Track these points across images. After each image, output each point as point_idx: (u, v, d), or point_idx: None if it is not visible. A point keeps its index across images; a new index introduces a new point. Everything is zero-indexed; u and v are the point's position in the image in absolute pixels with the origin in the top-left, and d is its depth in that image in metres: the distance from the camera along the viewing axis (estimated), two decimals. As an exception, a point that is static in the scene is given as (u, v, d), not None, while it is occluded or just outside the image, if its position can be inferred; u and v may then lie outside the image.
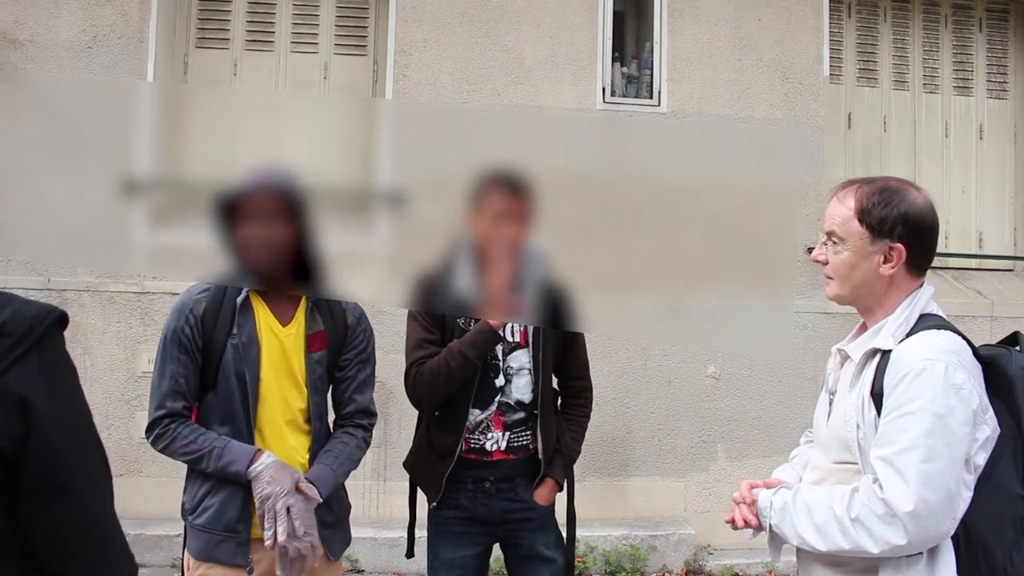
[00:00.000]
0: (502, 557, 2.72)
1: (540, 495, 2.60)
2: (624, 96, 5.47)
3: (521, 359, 2.57)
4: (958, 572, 1.71)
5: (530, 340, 2.58)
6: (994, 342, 1.92)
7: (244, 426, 2.24)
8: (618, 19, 5.52)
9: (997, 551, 1.72)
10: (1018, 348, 1.84)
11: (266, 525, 2.14)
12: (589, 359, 2.76)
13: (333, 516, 2.36)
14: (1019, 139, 6.05)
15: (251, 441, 2.24)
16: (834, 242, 1.86)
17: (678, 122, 5.29)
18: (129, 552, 1.36)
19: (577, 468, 2.71)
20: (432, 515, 2.61)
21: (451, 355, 2.46)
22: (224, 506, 2.23)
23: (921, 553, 1.70)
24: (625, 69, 5.52)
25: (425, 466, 2.61)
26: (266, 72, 5.42)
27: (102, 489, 1.30)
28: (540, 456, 2.59)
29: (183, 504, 2.33)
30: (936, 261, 2.13)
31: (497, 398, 2.55)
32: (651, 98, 5.45)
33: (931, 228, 1.84)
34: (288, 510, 2.14)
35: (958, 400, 1.68)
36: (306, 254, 2.07)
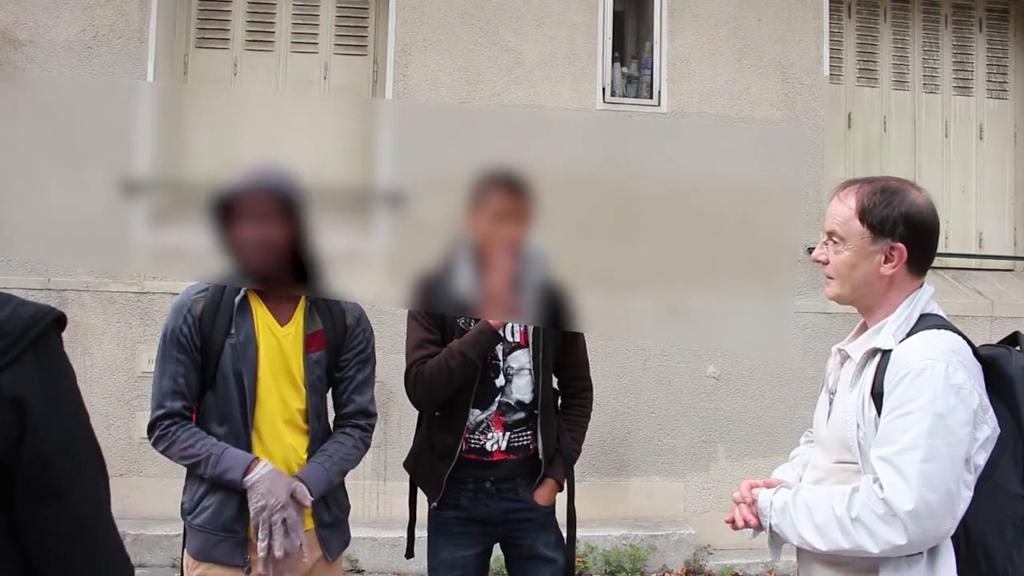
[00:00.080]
0: (502, 557, 2.72)
1: (540, 495, 2.60)
2: (624, 96, 5.47)
3: (521, 359, 2.57)
4: (958, 572, 1.70)
5: (530, 340, 2.58)
6: (994, 342, 1.92)
7: (241, 426, 2.24)
8: (618, 19, 5.52)
9: (997, 551, 1.72)
10: (1018, 348, 1.84)
11: (260, 536, 2.14)
12: (589, 359, 2.76)
13: (331, 516, 2.35)
14: (1019, 139, 6.05)
15: (248, 440, 2.24)
16: (835, 242, 1.86)
17: (678, 122, 5.29)
18: (125, 554, 1.36)
19: (577, 468, 2.71)
20: (432, 515, 2.61)
21: (451, 355, 2.46)
22: (222, 506, 2.23)
23: (921, 553, 1.70)
24: (625, 69, 5.52)
25: (425, 466, 2.61)
26: (266, 72, 5.42)
27: (98, 491, 1.30)
28: (540, 456, 2.58)
29: (182, 504, 2.33)
30: (936, 261, 2.13)
31: (497, 398, 2.55)
32: (651, 98, 5.45)
33: (932, 228, 1.84)
34: (284, 522, 2.14)
35: (958, 400, 1.68)
36: (303, 254, 2.07)
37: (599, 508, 5.08)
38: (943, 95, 5.98)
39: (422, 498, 2.65)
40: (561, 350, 2.65)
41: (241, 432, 2.24)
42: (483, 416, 2.54)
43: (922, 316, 1.82)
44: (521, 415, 2.57)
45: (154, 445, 2.27)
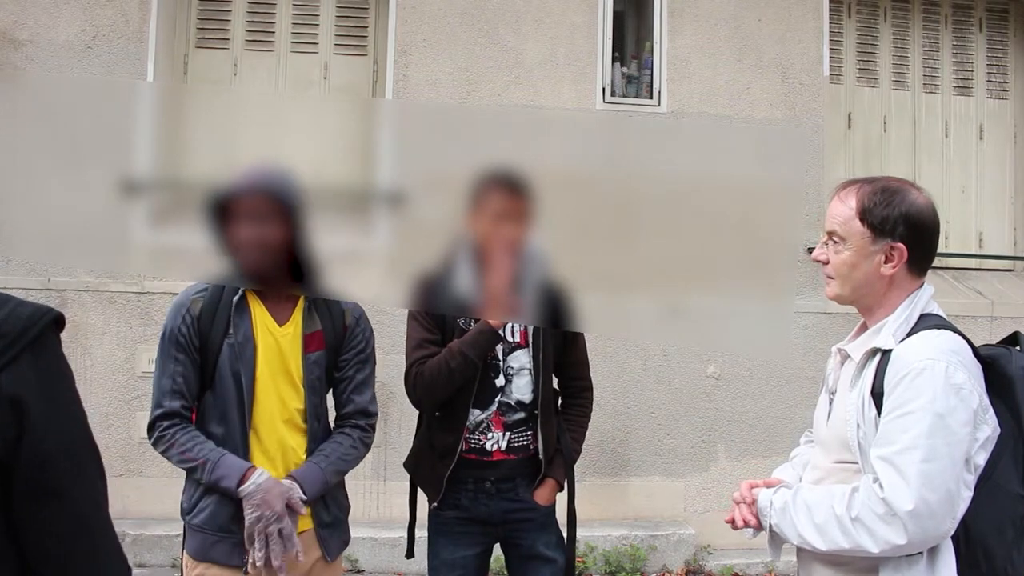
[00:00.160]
0: (502, 557, 2.72)
1: (540, 495, 2.60)
2: (624, 96, 5.47)
3: (521, 359, 2.57)
4: (958, 572, 1.70)
5: (530, 340, 2.58)
6: (994, 342, 1.92)
7: (239, 425, 2.24)
8: (618, 19, 5.52)
9: (997, 551, 1.72)
10: (1018, 348, 1.84)
11: (257, 547, 2.15)
12: (589, 359, 2.76)
13: (330, 516, 2.35)
14: (1019, 139, 6.05)
15: (246, 440, 2.24)
16: (835, 241, 1.86)
17: (678, 122, 5.29)
18: (123, 555, 1.36)
19: (577, 468, 2.71)
20: (432, 515, 2.61)
21: (451, 355, 2.46)
22: (219, 507, 2.22)
23: (921, 553, 1.70)
24: (625, 69, 5.52)
25: (425, 466, 2.61)
26: (266, 72, 5.42)
27: (96, 491, 1.30)
28: (540, 456, 2.58)
29: (181, 504, 2.33)
30: (936, 261, 2.13)
31: (497, 398, 2.55)
32: (651, 98, 5.45)
33: (932, 228, 1.84)
34: (279, 532, 2.15)
35: (958, 400, 1.68)
36: (300, 254, 2.07)
37: (599, 508, 5.08)
38: (943, 95, 5.98)
39: (422, 498, 2.65)
40: (561, 350, 2.65)
41: (239, 431, 2.23)
42: (483, 416, 2.54)
43: (922, 316, 1.82)
44: (521, 415, 2.57)
45: (153, 445, 2.28)
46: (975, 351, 1.78)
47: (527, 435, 2.58)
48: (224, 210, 2.05)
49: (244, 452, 2.24)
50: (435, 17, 5.29)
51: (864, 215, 1.82)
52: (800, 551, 1.88)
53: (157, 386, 2.27)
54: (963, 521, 1.70)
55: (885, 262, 1.81)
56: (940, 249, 1.99)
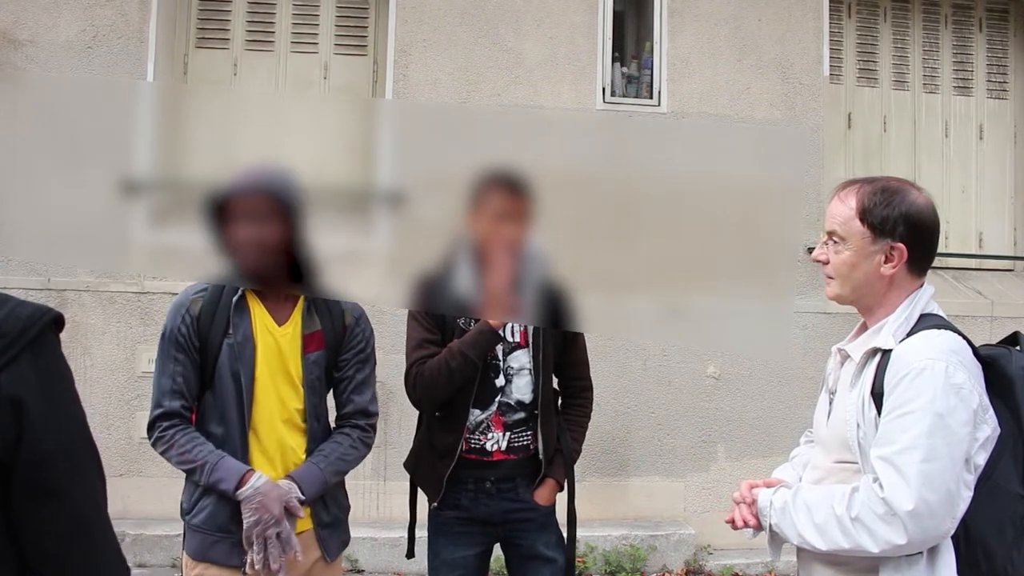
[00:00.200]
0: (503, 557, 2.72)
1: (541, 495, 2.60)
2: (624, 96, 5.47)
3: (521, 359, 2.57)
4: (958, 572, 1.71)
5: (530, 340, 2.58)
6: (994, 342, 1.92)
7: (238, 426, 2.24)
8: (618, 19, 5.52)
9: (997, 551, 1.72)
10: (1018, 348, 1.84)
11: (256, 550, 2.15)
12: (589, 359, 2.76)
13: (330, 516, 2.35)
14: (1019, 139, 6.05)
15: (246, 440, 2.24)
16: (835, 241, 1.86)
17: (678, 122, 5.29)
18: (121, 555, 1.36)
19: (577, 468, 2.71)
20: (432, 515, 2.61)
21: (451, 355, 2.46)
22: (219, 507, 2.22)
23: (921, 553, 1.70)
24: (625, 69, 5.52)
25: (425, 466, 2.61)
26: (266, 72, 5.42)
27: (95, 491, 1.30)
28: (540, 456, 2.58)
29: (181, 503, 2.33)
30: (936, 261, 2.13)
31: (497, 398, 2.55)
32: (651, 98, 5.45)
33: (932, 228, 1.84)
34: (278, 536, 2.15)
35: (958, 400, 1.68)
36: (298, 254, 2.07)
37: (599, 508, 5.08)
38: (943, 95, 5.98)
39: (422, 498, 2.65)
40: (561, 350, 2.65)
41: (238, 431, 2.23)
42: (483, 416, 2.54)
43: (922, 316, 1.82)
44: (521, 415, 2.57)
45: (153, 445, 2.28)
46: (975, 351, 1.78)
47: (527, 435, 2.58)
48: (222, 210, 2.05)
49: (243, 452, 2.23)
50: (435, 17, 5.29)
51: (864, 215, 1.82)
52: (800, 551, 1.88)
53: (157, 386, 2.27)
54: (963, 521, 1.70)
55: (885, 262, 1.81)
56: (940, 249, 1.99)
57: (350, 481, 2.45)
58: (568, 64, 5.36)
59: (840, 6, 5.83)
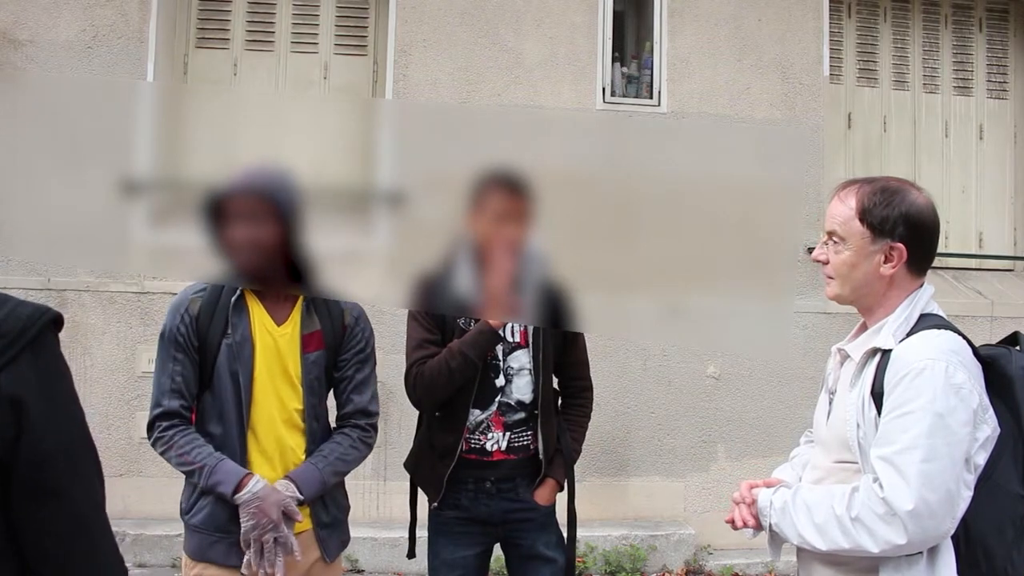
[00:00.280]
0: (503, 557, 2.72)
1: (541, 495, 2.60)
2: (624, 96, 5.47)
3: (521, 359, 2.57)
4: (958, 572, 1.71)
5: (530, 340, 2.58)
6: (994, 342, 1.92)
7: (237, 426, 2.23)
8: (618, 19, 5.52)
9: (997, 551, 1.72)
10: (1018, 348, 1.84)
11: (253, 554, 2.15)
12: (589, 359, 2.76)
13: (329, 516, 2.35)
14: (1019, 139, 6.05)
15: (244, 440, 2.24)
16: (835, 241, 1.86)
17: (678, 122, 5.29)
18: (119, 555, 1.36)
19: (577, 468, 2.71)
20: (433, 515, 2.61)
21: (451, 355, 2.46)
22: (218, 507, 2.22)
23: (921, 552, 1.70)
24: (625, 69, 5.52)
25: (426, 466, 2.61)
26: (266, 72, 5.42)
27: (94, 491, 1.30)
28: (541, 456, 2.58)
29: (181, 503, 2.33)
30: (936, 261, 2.14)
31: (497, 398, 2.55)
32: (651, 98, 5.45)
33: (932, 228, 1.84)
34: (275, 540, 2.15)
35: (958, 400, 1.68)
36: (295, 254, 2.07)
37: (599, 508, 5.08)
38: (943, 95, 5.98)
39: (422, 498, 2.65)
40: (561, 350, 2.65)
41: (236, 432, 2.23)
42: (483, 416, 2.54)
43: (922, 316, 1.82)
44: (521, 415, 2.57)
45: (152, 445, 2.28)
46: (975, 351, 1.78)
47: (527, 435, 2.58)
48: (218, 210, 2.04)
49: (242, 452, 2.23)
50: (435, 17, 5.29)
51: (864, 215, 1.82)
52: (800, 551, 1.88)
53: (156, 385, 2.27)
54: (963, 521, 1.70)
55: (885, 262, 1.81)
56: (940, 249, 1.99)
57: (350, 481, 2.45)
58: (568, 64, 5.36)
59: (840, 6, 5.83)
